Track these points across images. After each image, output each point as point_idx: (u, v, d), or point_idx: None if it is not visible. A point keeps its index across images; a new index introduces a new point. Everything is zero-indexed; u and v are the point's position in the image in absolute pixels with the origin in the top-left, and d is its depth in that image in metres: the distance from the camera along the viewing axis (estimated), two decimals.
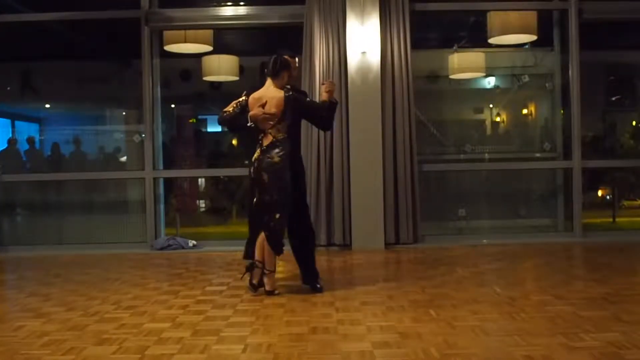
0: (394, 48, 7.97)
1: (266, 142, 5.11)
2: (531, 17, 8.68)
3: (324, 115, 5.37)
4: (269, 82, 5.24)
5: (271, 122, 5.09)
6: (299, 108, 5.22)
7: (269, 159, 5.05)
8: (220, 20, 8.59)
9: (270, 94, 5.15)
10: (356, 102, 7.78)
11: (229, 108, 5.25)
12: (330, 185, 7.85)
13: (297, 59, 5.47)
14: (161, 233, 8.62)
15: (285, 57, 5.28)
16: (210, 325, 4.26)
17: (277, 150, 5.06)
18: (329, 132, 7.65)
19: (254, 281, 5.21)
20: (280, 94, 5.13)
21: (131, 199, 9.13)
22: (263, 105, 5.09)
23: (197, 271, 6.66)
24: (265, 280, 5.17)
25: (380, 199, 7.74)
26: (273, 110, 5.08)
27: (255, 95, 5.18)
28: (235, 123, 5.29)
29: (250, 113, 5.11)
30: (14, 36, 9.02)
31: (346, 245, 7.80)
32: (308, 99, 5.64)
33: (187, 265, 7.11)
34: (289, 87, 5.25)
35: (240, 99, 5.24)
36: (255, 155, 5.14)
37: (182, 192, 9.94)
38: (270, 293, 5.13)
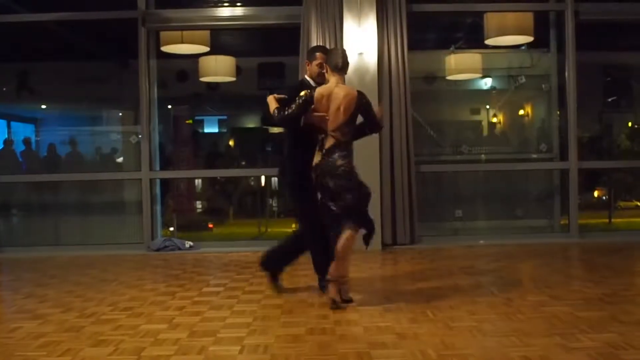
0: (391, 49, 7.98)
1: (328, 144, 4.75)
2: (528, 18, 8.68)
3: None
4: (337, 78, 4.80)
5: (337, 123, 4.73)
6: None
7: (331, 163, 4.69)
8: (217, 21, 8.57)
9: (344, 91, 4.76)
10: None
11: (293, 107, 4.73)
12: None
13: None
14: (158, 234, 8.61)
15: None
16: (208, 326, 4.26)
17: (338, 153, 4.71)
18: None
19: (344, 297, 4.79)
20: (354, 92, 4.79)
21: (128, 200, 9.11)
22: (338, 108, 4.71)
23: (194, 272, 6.65)
24: (341, 289, 4.80)
25: (377, 200, 7.72)
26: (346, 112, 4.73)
27: (324, 91, 4.77)
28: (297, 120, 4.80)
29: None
30: (10, 36, 9.00)
31: None
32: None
33: (184, 266, 7.10)
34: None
35: (304, 94, 4.74)
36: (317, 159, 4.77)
37: (178, 193, 9.93)
38: (348, 301, 4.79)
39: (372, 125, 4.98)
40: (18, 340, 4.01)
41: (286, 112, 4.73)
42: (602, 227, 9.96)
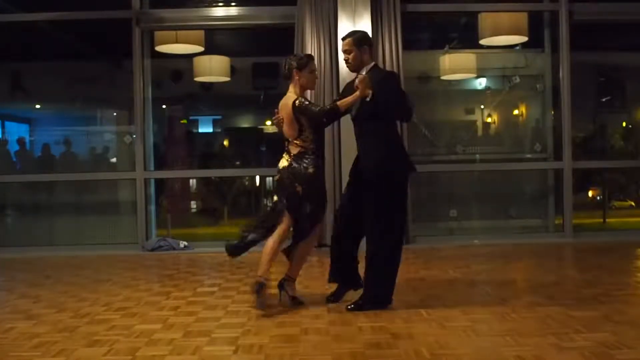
0: (385, 49, 7.98)
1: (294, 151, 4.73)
2: (522, 18, 8.71)
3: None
4: (291, 86, 4.79)
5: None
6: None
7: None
8: (211, 21, 8.58)
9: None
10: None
11: None
12: None
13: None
14: (152, 234, 8.60)
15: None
16: (202, 326, 4.25)
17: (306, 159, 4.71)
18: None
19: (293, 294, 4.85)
20: (289, 101, 4.70)
21: (122, 200, 9.11)
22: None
23: (188, 272, 6.65)
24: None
25: None
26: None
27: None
28: None
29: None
30: (3, 36, 8.97)
31: None
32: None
33: (178, 266, 7.09)
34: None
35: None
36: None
37: (173, 193, 9.91)
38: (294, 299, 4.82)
39: (313, 121, 4.68)
40: (12, 341, 4.00)
41: None
42: (596, 227, 9.98)
